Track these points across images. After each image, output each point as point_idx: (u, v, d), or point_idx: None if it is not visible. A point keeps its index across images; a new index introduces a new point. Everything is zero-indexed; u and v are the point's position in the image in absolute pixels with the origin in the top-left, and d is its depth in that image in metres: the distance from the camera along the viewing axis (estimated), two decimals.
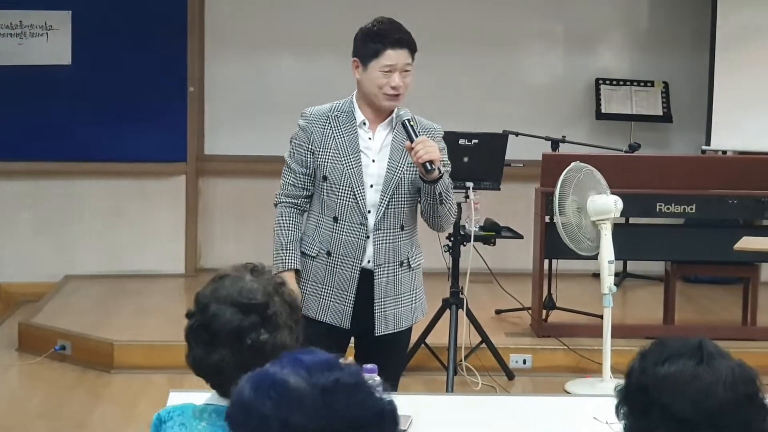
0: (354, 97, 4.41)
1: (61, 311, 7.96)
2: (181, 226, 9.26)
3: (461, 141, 6.73)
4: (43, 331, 7.46)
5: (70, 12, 8.97)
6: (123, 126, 9.01)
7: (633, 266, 9.06)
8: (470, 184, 6.70)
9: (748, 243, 6.62)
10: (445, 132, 6.84)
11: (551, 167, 6.99)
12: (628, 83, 9.37)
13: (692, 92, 9.33)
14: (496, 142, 6.96)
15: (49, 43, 8.97)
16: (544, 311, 7.52)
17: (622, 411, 2.28)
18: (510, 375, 6.91)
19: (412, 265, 4.42)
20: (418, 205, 4.41)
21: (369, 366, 3.37)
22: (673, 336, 2.34)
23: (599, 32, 9.60)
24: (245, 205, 9.32)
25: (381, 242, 4.33)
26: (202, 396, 2.79)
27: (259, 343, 2.60)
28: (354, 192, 4.32)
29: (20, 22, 8.95)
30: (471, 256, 6.72)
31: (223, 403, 2.67)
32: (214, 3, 9.32)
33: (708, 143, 9.02)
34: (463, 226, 6.81)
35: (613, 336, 6.49)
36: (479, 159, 6.76)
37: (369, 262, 4.34)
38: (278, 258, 4.38)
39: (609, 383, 6.36)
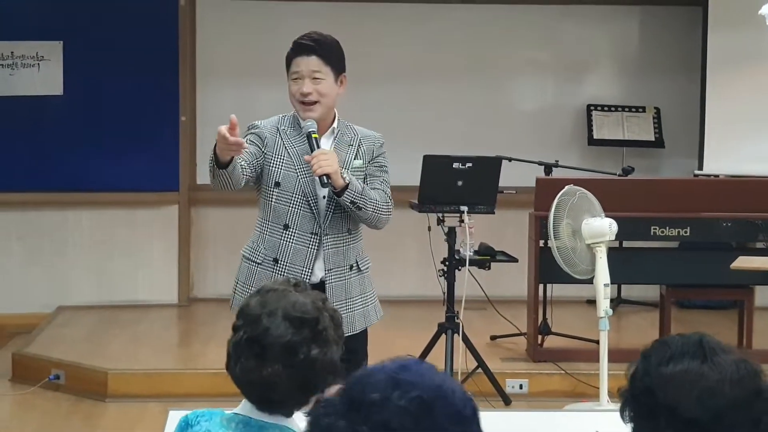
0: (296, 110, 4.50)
1: (54, 341, 7.91)
2: (173, 256, 9.23)
3: (455, 165, 6.74)
4: (36, 361, 7.42)
5: (62, 42, 8.98)
6: (115, 156, 9.01)
7: (627, 292, 9.06)
8: (465, 208, 6.70)
9: (745, 262, 6.62)
10: (439, 156, 6.90)
11: (545, 191, 6.99)
12: (619, 109, 9.39)
13: (684, 117, 9.36)
14: (490, 165, 6.95)
15: (41, 73, 8.97)
16: (540, 336, 7.50)
17: (627, 414, 2.25)
18: (507, 400, 6.87)
19: (361, 268, 4.51)
20: None
21: None
22: (674, 336, 2.31)
23: (590, 59, 9.63)
24: (238, 234, 9.23)
25: (331, 246, 4.40)
26: None
27: (311, 359, 2.57)
28: (307, 200, 4.39)
29: (11, 52, 8.95)
30: (466, 280, 6.71)
31: (254, 416, 2.64)
32: (206, 33, 9.34)
33: (700, 168, 9.04)
34: (458, 251, 6.81)
35: (609, 360, 6.46)
36: (473, 182, 6.76)
37: (319, 271, 4.39)
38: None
39: (606, 407, 6.34)
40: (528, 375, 7.13)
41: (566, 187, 6.59)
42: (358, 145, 4.48)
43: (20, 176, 8.95)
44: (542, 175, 7.84)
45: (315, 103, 4.39)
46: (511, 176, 7.54)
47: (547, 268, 7.01)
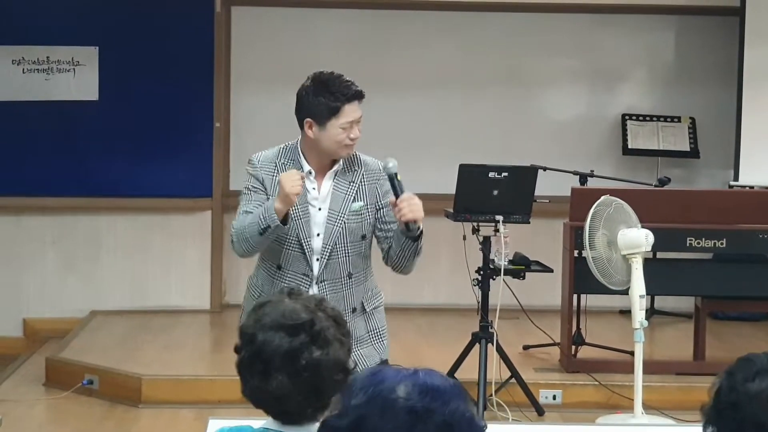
0: (299, 146, 4.39)
1: (87, 346, 7.94)
2: (206, 262, 9.24)
3: (491, 174, 6.72)
4: (70, 366, 7.45)
5: (97, 48, 9.01)
6: (149, 161, 9.03)
7: (660, 303, 9.00)
8: (500, 218, 6.69)
9: None
10: (475, 165, 6.89)
11: (580, 201, 6.96)
12: (654, 119, 9.34)
13: (719, 128, 9.30)
14: (526, 175, 6.94)
15: (76, 79, 9.00)
16: (573, 347, 7.46)
17: (710, 431, 2.25)
18: (540, 411, 6.84)
19: (367, 309, 4.41)
20: (368, 249, 4.41)
21: None
22: (758, 353, 2.30)
23: (625, 68, 9.59)
24: None
25: (327, 292, 4.28)
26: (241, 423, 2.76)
27: (314, 362, 2.56)
28: (300, 242, 4.30)
29: (47, 57, 8.99)
30: (501, 290, 6.69)
31: (283, 429, 2.63)
32: (241, 39, 9.36)
33: (736, 179, 8.97)
34: (493, 260, 6.79)
35: (643, 372, 6.44)
36: (509, 192, 6.74)
37: None
38: (256, 217, 4.22)
39: (640, 419, 6.31)
40: (562, 386, 7.09)
41: (602, 197, 6.57)
42: (360, 184, 4.37)
43: (55, 181, 8.98)
44: (577, 185, 7.81)
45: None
46: (545, 185, 7.52)
47: (581, 278, 6.98)
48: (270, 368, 2.57)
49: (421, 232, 4.22)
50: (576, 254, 7.13)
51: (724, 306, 8.08)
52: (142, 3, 9.02)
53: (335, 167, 4.35)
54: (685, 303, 8.42)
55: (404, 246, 4.26)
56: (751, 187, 8.85)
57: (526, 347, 7.77)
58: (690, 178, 9.49)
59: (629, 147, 9.27)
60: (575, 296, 7.45)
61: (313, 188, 4.34)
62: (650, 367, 6.72)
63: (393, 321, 7.87)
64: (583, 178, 7.86)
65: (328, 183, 4.35)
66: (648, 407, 6.56)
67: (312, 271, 4.30)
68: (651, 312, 8.80)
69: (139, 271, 9.16)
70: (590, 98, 9.59)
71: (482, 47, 9.41)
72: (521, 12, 9.39)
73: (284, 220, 4.19)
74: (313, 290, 4.28)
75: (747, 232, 7.23)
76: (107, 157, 9.01)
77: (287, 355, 2.56)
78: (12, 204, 8.97)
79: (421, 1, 9.28)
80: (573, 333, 7.49)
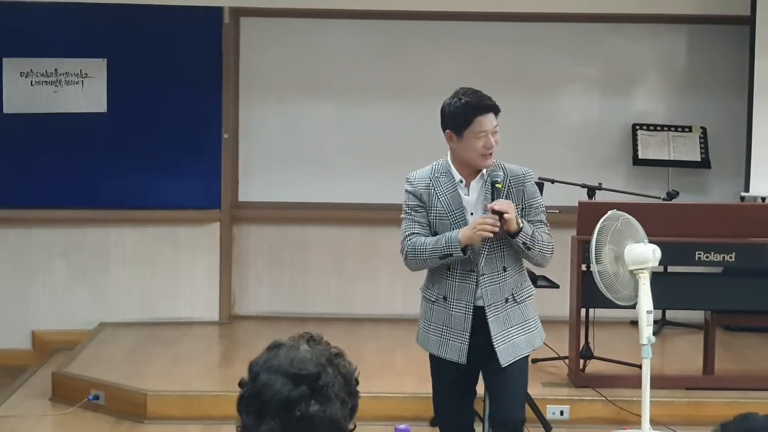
0: (449, 158, 4.97)
1: (94, 360, 7.93)
2: (215, 274, 9.24)
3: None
4: (76, 381, 7.44)
5: (106, 60, 9.03)
6: (157, 173, 9.04)
7: (671, 314, 8.96)
8: None
9: None
10: None
11: (588, 215, 6.91)
12: (665, 128, 9.29)
13: (731, 138, 9.25)
14: None
15: (85, 91, 9.01)
16: (582, 361, 7.42)
17: None
18: (547, 427, 6.80)
19: (518, 299, 4.97)
20: None
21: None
22: (755, 413, 2.30)
23: (636, 77, 9.55)
24: (279, 251, 9.33)
25: (487, 284, 4.90)
26: None
27: (309, 415, 2.51)
28: None
29: (55, 70, 9.00)
30: None
31: None
32: (249, 50, 9.35)
33: (747, 189, 8.92)
34: None
35: (652, 387, 6.37)
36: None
37: (480, 301, 4.89)
38: (440, 245, 4.83)
39: None
40: (569, 401, 7.05)
41: (609, 212, 6.50)
42: (507, 188, 4.92)
43: (63, 193, 8.99)
44: (585, 196, 7.76)
45: (492, 153, 4.88)
46: (555, 195, 7.48)
47: (589, 292, 6.91)
48: (265, 411, 2.53)
49: (521, 229, 4.81)
50: (584, 268, 7.08)
51: (734, 320, 8.02)
52: (150, 14, 9.01)
53: (480, 174, 4.92)
54: (697, 314, 8.36)
55: (515, 244, 4.88)
56: (763, 198, 8.80)
57: (534, 361, 7.71)
58: (701, 188, 9.44)
59: (640, 157, 9.22)
60: (583, 309, 7.41)
61: (466, 194, 4.93)
62: (659, 382, 6.68)
63: (403, 332, 7.86)
64: (591, 190, 7.81)
65: (476, 189, 4.93)
66: (657, 423, 6.51)
67: (477, 266, 4.87)
68: (662, 323, 8.78)
69: (147, 283, 9.16)
70: (601, 107, 9.56)
71: (493, 56, 9.38)
72: (532, 21, 9.36)
73: (464, 249, 4.80)
74: (480, 283, 4.87)
75: (757, 245, 7.16)
76: (115, 169, 9.01)
77: (284, 403, 2.51)
78: (21, 216, 8.99)
79: (430, 12, 9.25)
80: (581, 347, 7.44)
